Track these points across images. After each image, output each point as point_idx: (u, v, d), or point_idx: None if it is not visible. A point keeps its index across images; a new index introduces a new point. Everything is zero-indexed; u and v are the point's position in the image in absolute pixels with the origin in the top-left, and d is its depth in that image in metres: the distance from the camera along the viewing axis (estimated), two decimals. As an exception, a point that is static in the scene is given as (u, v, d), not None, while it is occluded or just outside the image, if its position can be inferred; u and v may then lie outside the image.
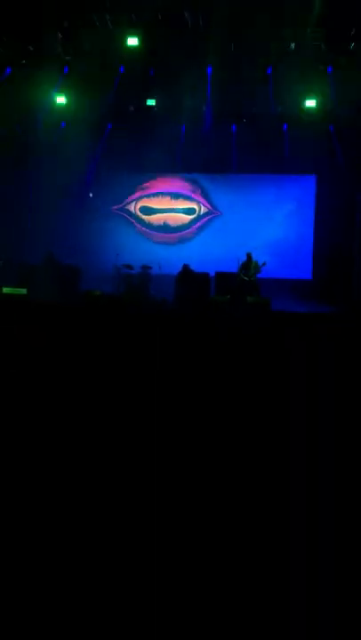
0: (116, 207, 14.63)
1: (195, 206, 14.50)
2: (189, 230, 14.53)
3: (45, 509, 1.67)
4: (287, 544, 1.64)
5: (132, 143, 13.06)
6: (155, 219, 14.65)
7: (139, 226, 14.65)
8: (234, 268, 11.98)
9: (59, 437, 2.16)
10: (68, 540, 1.57)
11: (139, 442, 2.22)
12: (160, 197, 14.60)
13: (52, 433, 2.22)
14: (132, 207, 14.71)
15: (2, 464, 2.00)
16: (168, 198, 14.56)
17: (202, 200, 14.45)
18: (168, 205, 14.58)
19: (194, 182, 14.39)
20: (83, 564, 1.50)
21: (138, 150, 13.18)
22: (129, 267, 12.34)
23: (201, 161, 13.47)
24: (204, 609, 1.42)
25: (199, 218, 14.49)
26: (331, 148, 12.95)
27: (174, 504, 1.83)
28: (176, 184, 14.47)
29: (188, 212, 14.56)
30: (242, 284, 11.63)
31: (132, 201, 14.68)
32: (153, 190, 14.61)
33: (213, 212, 14.43)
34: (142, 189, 14.60)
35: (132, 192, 14.60)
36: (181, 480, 1.95)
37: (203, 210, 14.46)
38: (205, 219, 14.47)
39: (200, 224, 14.47)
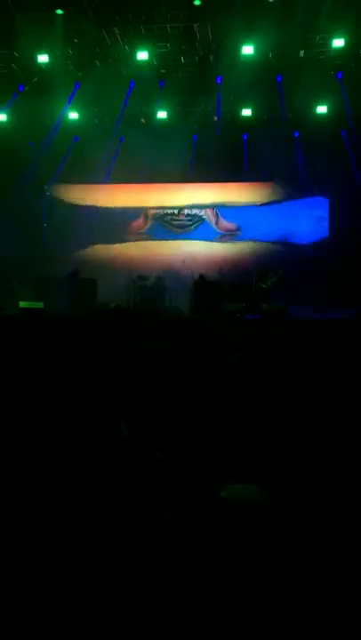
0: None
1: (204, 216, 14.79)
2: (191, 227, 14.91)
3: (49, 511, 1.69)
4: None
5: (145, 155, 13.13)
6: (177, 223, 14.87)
7: (170, 227, 14.98)
8: (248, 281, 12.06)
9: (63, 452, 2.17)
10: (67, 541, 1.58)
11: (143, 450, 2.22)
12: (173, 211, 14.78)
13: (57, 446, 2.23)
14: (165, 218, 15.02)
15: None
16: (179, 211, 14.74)
17: (211, 214, 14.54)
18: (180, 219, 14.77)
19: (205, 195, 14.46)
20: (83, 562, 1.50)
21: (150, 162, 13.27)
22: (143, 278, 12.41)
23: (213, 171, 13.54)
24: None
25: (195, 221, 14.85)
26: (344, 156, 12.92)
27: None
28: (187, 196, 14.57)
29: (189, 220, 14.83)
30: (258, 292, 11.68)
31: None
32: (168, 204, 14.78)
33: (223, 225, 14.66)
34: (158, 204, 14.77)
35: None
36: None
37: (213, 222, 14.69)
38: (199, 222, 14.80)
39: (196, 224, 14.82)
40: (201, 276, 12.38)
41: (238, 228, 14.68)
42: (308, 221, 13.83)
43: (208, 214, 14.85)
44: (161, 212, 15.06)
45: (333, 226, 13.44)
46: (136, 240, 15.01)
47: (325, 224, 13.65)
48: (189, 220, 14.92)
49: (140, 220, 15.14)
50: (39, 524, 1.65)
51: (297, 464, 2.09)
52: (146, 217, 15.11)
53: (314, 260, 13.26)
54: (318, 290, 12.71)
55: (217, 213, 14.80)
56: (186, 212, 15.02)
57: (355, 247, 12.61)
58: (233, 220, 14.73)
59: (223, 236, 14.72)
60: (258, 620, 1.42)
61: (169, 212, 15.13)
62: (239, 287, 12.16)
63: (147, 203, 14.93)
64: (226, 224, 14.79)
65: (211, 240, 14.70)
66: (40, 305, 10.91)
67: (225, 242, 14.65)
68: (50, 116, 12.88)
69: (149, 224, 15.09)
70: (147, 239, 15.00)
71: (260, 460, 2.12)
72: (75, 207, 13.73)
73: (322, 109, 12.13)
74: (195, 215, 14.92)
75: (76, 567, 1.52)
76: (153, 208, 15.02)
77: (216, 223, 14.88)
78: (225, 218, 14.77)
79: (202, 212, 14.87)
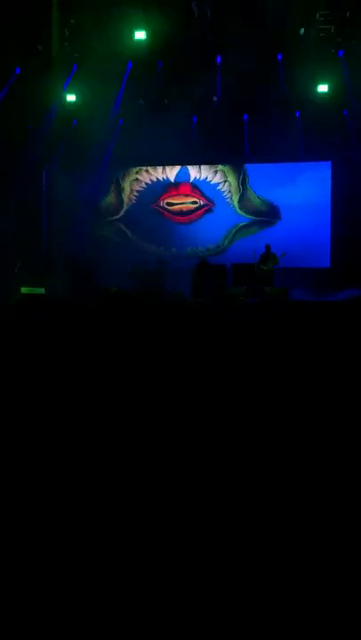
0: (153, 204, 13.54)
1: (196, 199, 13.47)
2: (196, 214, 13.35)
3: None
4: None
5: (144, 137, 12.89)
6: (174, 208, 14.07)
7: (165, 213, 13.64)
8: (250, 259, 11.98)
9: (69, 441, 2.16)
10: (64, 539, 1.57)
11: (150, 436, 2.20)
12: (178, 196, 14.19)
13: (63, 434, 2.22)
14: (161, 203, 13.71)
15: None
16: (182, 196, 14.08)
17: (234, 182, 13.13)
18: (182, 200, 14.21)
19: (196, 184, 13.49)
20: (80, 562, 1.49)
21: (150, 144, 13.04)
22: (145, 262, 12.35)
23: (214, 152, 13.32)
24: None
25: (200, 207, 13.40)
26: (345, 134, 12.76)
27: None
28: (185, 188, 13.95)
29: (193, 203, 13.69)
30: (260, 274, 11.66)
31: (161, 200, 14.06)
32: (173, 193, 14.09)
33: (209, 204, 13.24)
34: (167, 193, 13.74)
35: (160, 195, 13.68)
36: (191, 479, 1.94)
37: (202, 202, 13.33)
38: (205, 208, 13.30)
39: (202, 211, 13.36)
40: (203, 260, 12.33)
41: (274, 211, 12.59)
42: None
43: (229, 182, 12.60)
44: (147, 180, 12.91)
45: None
46: (112, 230, 13.09)
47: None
48: (193, 202, 13.22)
49: (112, 198, 13.28)
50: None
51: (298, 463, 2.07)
52: (120, 193, 13.28)
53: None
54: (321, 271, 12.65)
55: (243, 182, 12.45)
56: (193, 176, 12.36)
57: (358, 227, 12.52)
58: (269, 197, 12.69)
59: (250, 224, 12.79)
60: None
61: (161, 178, 12.69)
62: (241, 270, 12.11)
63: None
64: (256, 202, 12.58)
65: (226, 231, 12.72)
66: (41, 291, 10.92)
67: (252, 232, 12.52)
68: (48, 98, 12.70)
69: (127, 206, 13.41)
70: (124, 231, 13.09)
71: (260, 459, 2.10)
72: (75, 191, 13.57)
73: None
74: (204, 183, 12.70)
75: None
76: (132, 174, 12.74)
77: (240, 200, 12.61)
78: (257, 191, 12.73)
79: (218, 179, 12.57)
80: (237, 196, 12.49)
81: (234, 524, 1.69)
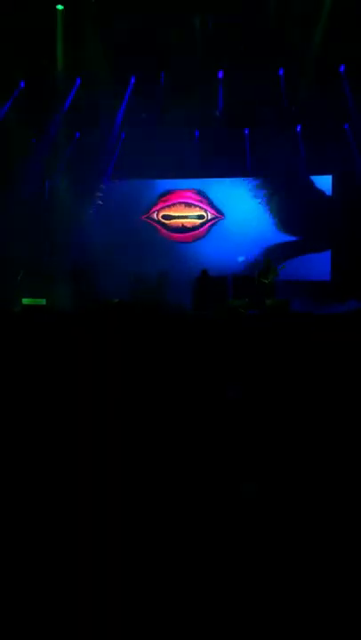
0: (144, 216, 13.41)
1: (203, 213, 13.39)
2: (201, 230, 13.03)
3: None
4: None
5: (146, 150, 12.95)
6: (173, 223, 13.92)
7: (162, 229, 13.57)
8: (251, 271, 12.03)
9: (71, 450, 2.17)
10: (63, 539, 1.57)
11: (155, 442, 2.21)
12: (177, 206, 14.13)
13: (63, 443, 2.23)
14: (154, 215, 13.50)
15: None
16: (183, 206, 13.99)
17: (209, 208, 13.62)
18: (183, 212, 14.11)
19: (203, 191, 13.49)
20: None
21: (152, 158, 13.09)
22: (146, 273, 12.38)
23: (215, 166, 13.38)
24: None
25: (208, 221, 13.15)
26: (347, 148, 12.84)
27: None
28: (187, 195, 13.90)
29: (198, 217, 13.78)
30: (260, 287, 11.68)
31: (155, 211, 13.96)
32: (171, 201, 13.97)
33: (218, 217, 13.01)
34: (163, 201, 13.85)
35: (155, 203, 13.42)
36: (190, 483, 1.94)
37: (210, 215, 13.13)
38: (212, 221, 13.03)
39: (209, 225, 13.14)
40: (204, 272, 12.35)
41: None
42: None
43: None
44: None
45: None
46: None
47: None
48: (199, 216, 12.54)
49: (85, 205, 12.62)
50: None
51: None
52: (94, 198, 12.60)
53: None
54: (321, 284, 12.68)
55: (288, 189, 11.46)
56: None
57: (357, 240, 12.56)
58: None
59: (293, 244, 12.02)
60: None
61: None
62: (242, 282, 12.15)
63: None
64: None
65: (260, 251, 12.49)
66: (42, 302, 10.94)
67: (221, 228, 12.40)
68: (51, 112, 12.81)
69: (102, 215, 12.87)
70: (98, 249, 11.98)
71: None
72: (76, 202, 13.62)
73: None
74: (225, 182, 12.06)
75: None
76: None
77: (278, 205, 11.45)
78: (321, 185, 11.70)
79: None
80: (274, 200, 10.79)
81: (233, 522, 1.70)
